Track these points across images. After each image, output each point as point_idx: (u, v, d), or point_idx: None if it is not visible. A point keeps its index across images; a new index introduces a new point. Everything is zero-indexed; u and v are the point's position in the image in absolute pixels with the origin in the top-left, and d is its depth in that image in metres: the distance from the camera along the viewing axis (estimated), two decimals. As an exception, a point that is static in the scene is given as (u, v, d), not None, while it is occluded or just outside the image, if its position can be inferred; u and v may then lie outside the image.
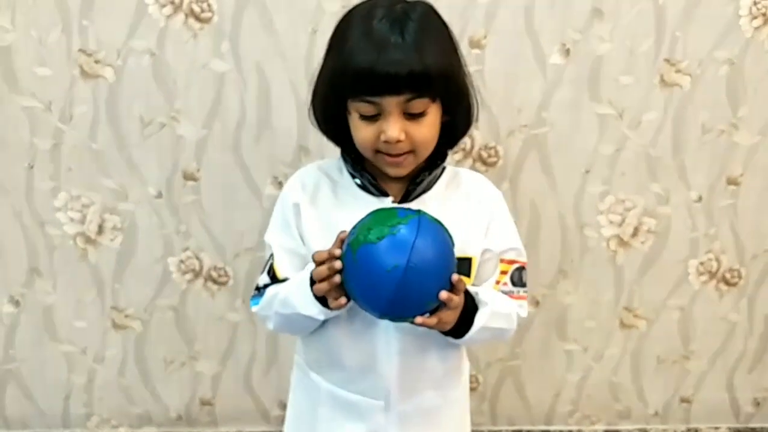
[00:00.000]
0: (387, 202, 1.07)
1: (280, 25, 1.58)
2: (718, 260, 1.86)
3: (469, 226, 1.09)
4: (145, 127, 1.65)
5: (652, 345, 1.94)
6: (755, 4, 1.61)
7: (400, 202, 1.07)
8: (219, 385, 1.91)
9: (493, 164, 1.70)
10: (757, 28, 1.63)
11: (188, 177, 1.70)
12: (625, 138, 1.71)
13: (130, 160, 1.67)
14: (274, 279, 1.12)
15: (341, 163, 1.13)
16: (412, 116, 0.98)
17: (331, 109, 1.04)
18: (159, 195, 1.71)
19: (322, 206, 1.10)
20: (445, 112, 1.03)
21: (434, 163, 1.08)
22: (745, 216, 1.81)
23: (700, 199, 1.79)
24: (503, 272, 1.13)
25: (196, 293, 1.81)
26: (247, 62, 1.61)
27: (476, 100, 1.07)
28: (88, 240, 1.74)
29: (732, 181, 1.78)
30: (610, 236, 1.81)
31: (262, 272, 1.15)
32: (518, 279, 1.14)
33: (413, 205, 1.06)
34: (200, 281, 1.80)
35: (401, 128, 0.98)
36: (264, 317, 1.14)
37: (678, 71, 1.66)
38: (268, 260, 1.14)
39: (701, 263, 1.86)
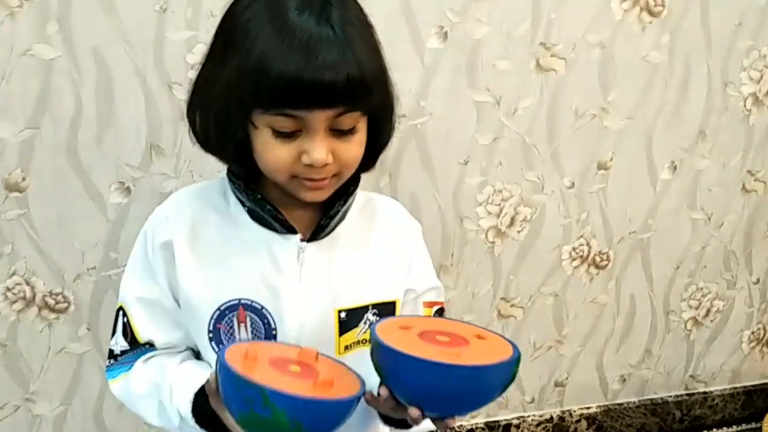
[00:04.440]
0: (293, 242, 0.89)
1: (120, 2, 1.33)
2: (588, 244, 1.86)
3: (391, 265, 0.95)
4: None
5: (528, 333, 1.92)
6: (625, -13, 1.60)
7: (309, 240, 0.90)
8: (64, 428, 1.62)
9: (370, 158, 1.56)
10: (626, 11, 1.62)
11: (11, 188, 1.40)
12: (502, 126, 1.65)
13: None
14: (134, 343, 0.91)
15: (225, 186, 0.92)
16: (340, 133, 0.80)
17: (229, 123, 0.82)
18: (-26, 211, 1.40)
19: (205, 248, 0.89)
20: (371, 125, 0.86)
21: (346, 188, 0.90)
22: (613, 200, 1.82)
23: (572, 185, 1.77)
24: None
25: (28, 325, 1.51)
26: (81, 47, 1.34)
27: (395, 109, 0.91)
28: None
29: (602, 166, 1.77)
30: (489, 227, 1.75)
31: (115, 333, 0.93)
32: None
33: (325, 243, 0.90)
34: (33, 310, 1.50)
35: (329, 148, 0.80)
36: (124, 394, 0.94)
37: (553, 55, 1.61)
38: (122, 317, 0.93)
39: (573, 248, 1.85)
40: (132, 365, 0.93)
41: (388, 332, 0.78)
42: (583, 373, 2.03)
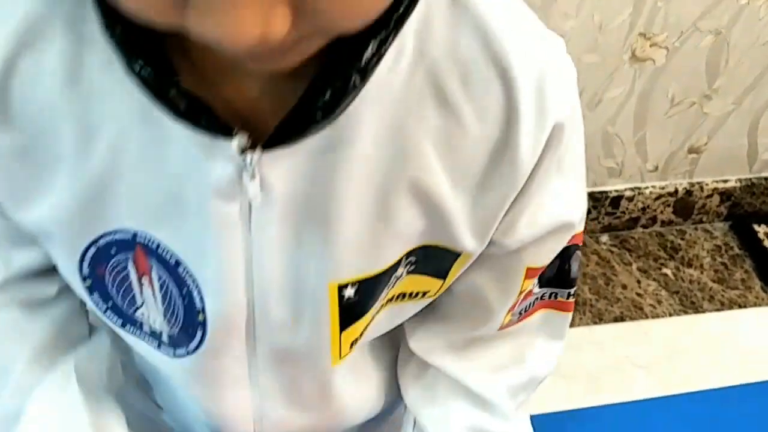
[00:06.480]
0: (227, 154, 0.36)
1: None
2: (786, -42, 1.26)
3: (470, 188, 0.42)
4: None
5: (667, 83, 1.41)
6: None
7: (269, 144, 0.36)
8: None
9: None
10: None
11: None
12: None
13: None
14: None
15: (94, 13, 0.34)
16: None
17: None
18: None
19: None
20: None
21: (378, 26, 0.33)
22: None
23: None
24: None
25: None
26: None
27: None
28: None
29: None
30: (642, -76, 1.17)
31: None
32: (560, 272, 0.52)
33: (309, 149, 0.37)
34: None
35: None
36: None
37: None
38: None
39: (761, -36, 1.26)
40: None
41: None
42: (728, 139, 1.54)
